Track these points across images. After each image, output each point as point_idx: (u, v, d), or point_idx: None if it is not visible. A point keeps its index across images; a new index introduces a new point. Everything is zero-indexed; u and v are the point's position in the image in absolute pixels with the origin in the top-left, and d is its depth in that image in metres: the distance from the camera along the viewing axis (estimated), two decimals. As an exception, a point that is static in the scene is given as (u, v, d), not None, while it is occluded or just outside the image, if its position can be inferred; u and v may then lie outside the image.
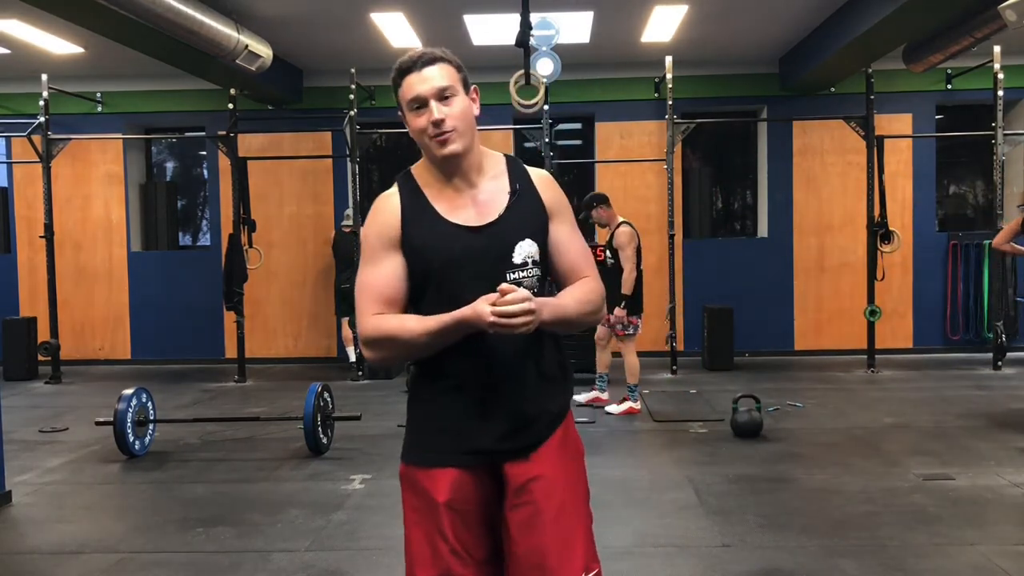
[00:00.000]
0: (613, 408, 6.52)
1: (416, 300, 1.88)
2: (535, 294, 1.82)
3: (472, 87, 1.89)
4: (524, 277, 1.85)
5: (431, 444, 1.87)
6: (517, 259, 1.84)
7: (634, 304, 6.35)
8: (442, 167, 1.87)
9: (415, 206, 1.87)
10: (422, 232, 1.84)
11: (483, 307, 1.70)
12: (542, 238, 1.89)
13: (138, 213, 10.13)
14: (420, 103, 1.82)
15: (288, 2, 7.15)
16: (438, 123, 1.80)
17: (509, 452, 1.85)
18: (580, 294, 1.89)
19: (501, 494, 1.87)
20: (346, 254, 8.82)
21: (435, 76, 1.82)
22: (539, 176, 1.95)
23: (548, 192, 1.93)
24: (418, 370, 1.91)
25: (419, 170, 1.92)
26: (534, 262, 1.87)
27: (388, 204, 1.89)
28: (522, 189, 1.90)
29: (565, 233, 1.92)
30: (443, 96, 1.82)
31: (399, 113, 1.89)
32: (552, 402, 1.91)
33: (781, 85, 9.48)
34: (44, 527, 4.18)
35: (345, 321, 9.05)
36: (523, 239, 1.85)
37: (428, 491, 1.84)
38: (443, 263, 1.82)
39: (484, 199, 1.88)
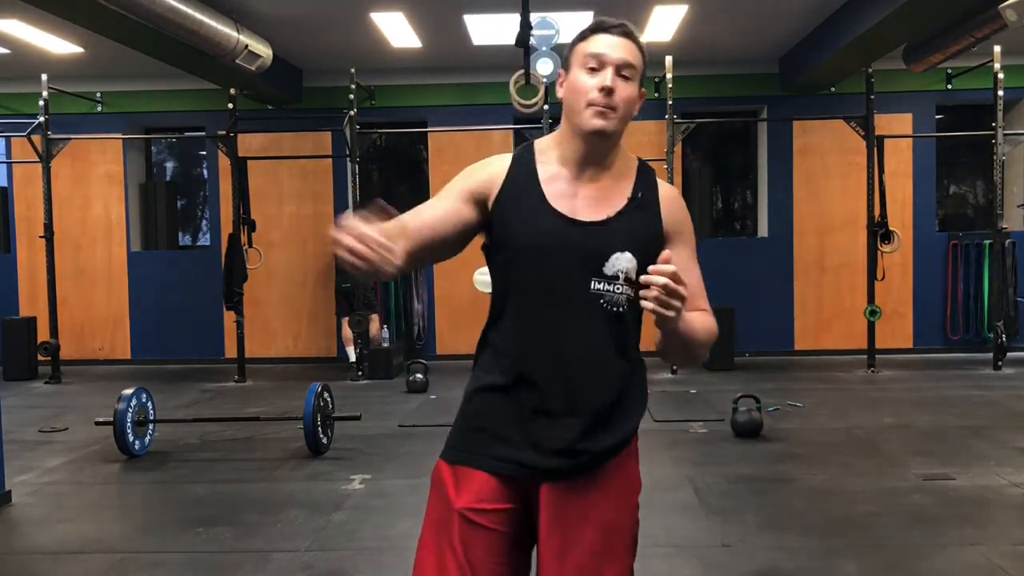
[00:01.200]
0: None
1: (495, 277, 1.73)
2: (619, 317, 1.65)
3: (642, 89, 1.71)
4: (609, 291, 1.64)
5: (467, 442, 1.71)
6: (608, 271, 1.64)
7: None
8: (574, 142, 1.68)
9: (522, 178, 1.69)
10: (519, 207, 1.67)
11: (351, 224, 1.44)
12: (645, 257, 1.60)
13: (138, 213, 10.13)
14: (600, 64, 1.64)
15: (288, 2, 7.15)
16: (608, 91, 1.62)
17: (553, 472, 1.65)
18: (708, 323, 1.70)
19: (534, 518, 1.68)
20: None
21: (624, 49, 1.65)
22: (668, 191, 1.76)
23: (673, 210, 1.75)
24: (482, 357, 1.75)
25: (543, 144, 1.75)
26: (627, 279, 1.64)
27: (494, 165, 1.73)
28: (643, 198, 1.71)
29: (682, 260, 1.63)
30: (622, 72, 1.64)
31: (559, 71, 1.73)
32: (619, 429, 1.71)
33: (781, 85, 9.48)
34: (44, 527, 4.17)
35: (345, 321, 9.04)
36: (623, 251, 1.64)
37: (448, 493, 1.68)
38: (525, 246, 1.65)
39: (599, 196, 1.69)
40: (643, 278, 1.49)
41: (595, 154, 1.69)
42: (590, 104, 1.63)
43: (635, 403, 1.74)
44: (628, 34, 1.67)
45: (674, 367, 8.32)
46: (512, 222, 1.67)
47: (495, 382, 1.69)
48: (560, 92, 1.71)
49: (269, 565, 3.57)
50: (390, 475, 4.91)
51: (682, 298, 1.49)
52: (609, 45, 1.65)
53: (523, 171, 1.70)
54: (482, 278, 6.61)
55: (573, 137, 1.69)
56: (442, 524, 1.67)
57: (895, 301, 9.36)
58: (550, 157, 1.71)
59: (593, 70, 1.64)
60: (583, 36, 1.70)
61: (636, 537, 1.78)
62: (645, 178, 1.74)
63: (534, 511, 1.68)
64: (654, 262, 1.52)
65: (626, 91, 1.65)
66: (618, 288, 1.65)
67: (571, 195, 1.68)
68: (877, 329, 8.52)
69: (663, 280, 1.46)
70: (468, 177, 1.72)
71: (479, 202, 1.70)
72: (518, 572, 1.70)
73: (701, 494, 4.43)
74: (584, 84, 1.64)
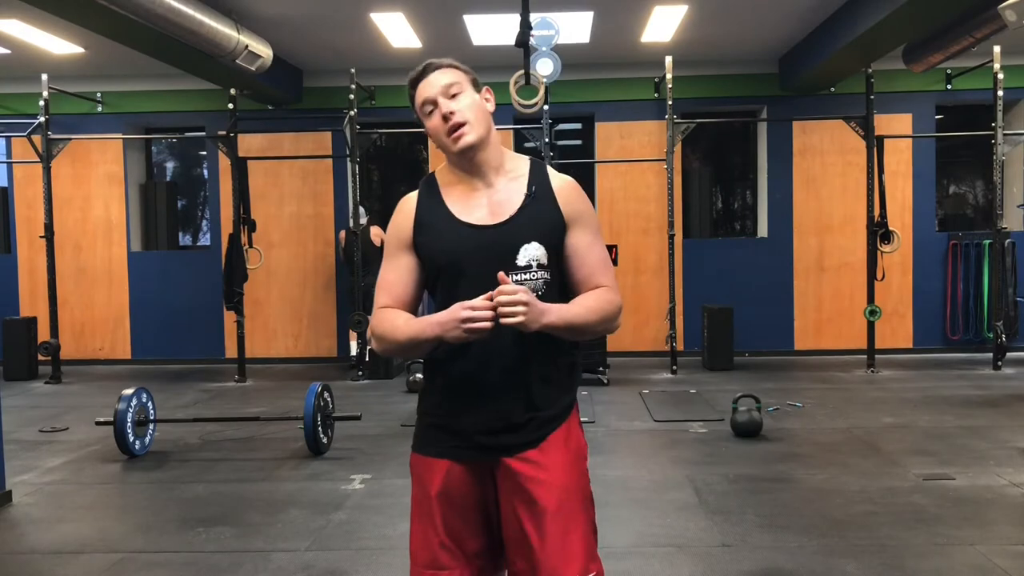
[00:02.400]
0: None
1: (432, 293, 1.96)
2: (540, 298, 1.83)
3: (484, 87, 1.95)
4: (527, 280, 1.86)
5: (431, 436, 1.94)
6: (521, 261, 1.87)
7: None
8: (460, 164, 1.93)
9: (430, 206, 1.94)
10: (431, 230, 1.91)
11: (453, 311, 1.75)
12: (553, 243, 1.89)
13: (138, 213, 10.13)
14: (431, 104, 1.90)
15: (288, 2, 7.15)
16: (447, 116, 1.87)
17: (506, 448, 1.88)
18: (591, 302, 1.89)
19: (496, 488, 1.91)
20: (365, 252, 8.65)
21: (439, 78, 1.90)
22: (562, 182, 1.96)
23: (568, 199, 1.94)
24: (427, 365, 1.97)
25: (441, 171, 2.00)
26: (540, 265, 1.88)
27: (405, 206, 1.98)
28: (538, 192, 1.92)
29: (584, 242, 1.93)
30: (450, 94, 1.89)
31: (421, 126, 1.98)
32: (554, 403, 1.92)
33: (781, 85, 9.48)
34: (44, 527, 4.18)
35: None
36: (530, 242, 1.87)
37: (425, 481, 1.92)
38: (449, 260, 1.88)
39: (499, 199, 1.91)
40: (489, 293, 1.74)
41: (479, 164, 1.92)
42: (447, 135, 1.89)
43: (568, 376, 1.97)
44: (436, 67, 1.92)
45: (674, 367, 8.34)
46: (432, 243, 1.91)
47: (441, 382, 1.92)
48: (430, 139, 1.98)
49: (269, 565, 3.57)
50: (390, 475, 4.92)
51: (523, 303, 1.72)
52: (427, 86, 1.91)
53: (429, 199, 1.96)
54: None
55: (457, 161, 1.94)
56: (424, 506, 1.92)
57: (895, 301, 9.37)
58: (449, 180, 1.97)
59: (431, 112, 1.91)
60: (411, 97, 1.95)
61: (591, 496, 1.98)
62: (538, 174, 1.95)
63: (497, 485, 1.91)
64: (560, 246, 1.90)
65: (463, 102, 1.89)
66: (533, 275, 1.88)
67: (475, 205, 1.92)
68: (877, 329, 8.52)
69: (504, 299, 1.72)
70: (394, 232, 1.97)
71: (408, 245, 1.95)
72: (492, 537, 1.94)
73: (701, 494, 4.43)
74: (433, 126, 1.91)
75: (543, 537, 1.84)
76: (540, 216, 1.90)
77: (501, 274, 1.77)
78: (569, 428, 1.95)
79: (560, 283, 1.93)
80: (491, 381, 1.87)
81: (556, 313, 1.80)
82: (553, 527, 1.85)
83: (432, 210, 1.93)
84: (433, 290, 1.97)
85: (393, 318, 1.89)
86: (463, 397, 1.89)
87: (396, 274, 1.95)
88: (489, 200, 1.92)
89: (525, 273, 1.87)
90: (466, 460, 1.90)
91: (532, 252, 1.87)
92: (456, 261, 1.88)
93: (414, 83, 1.93)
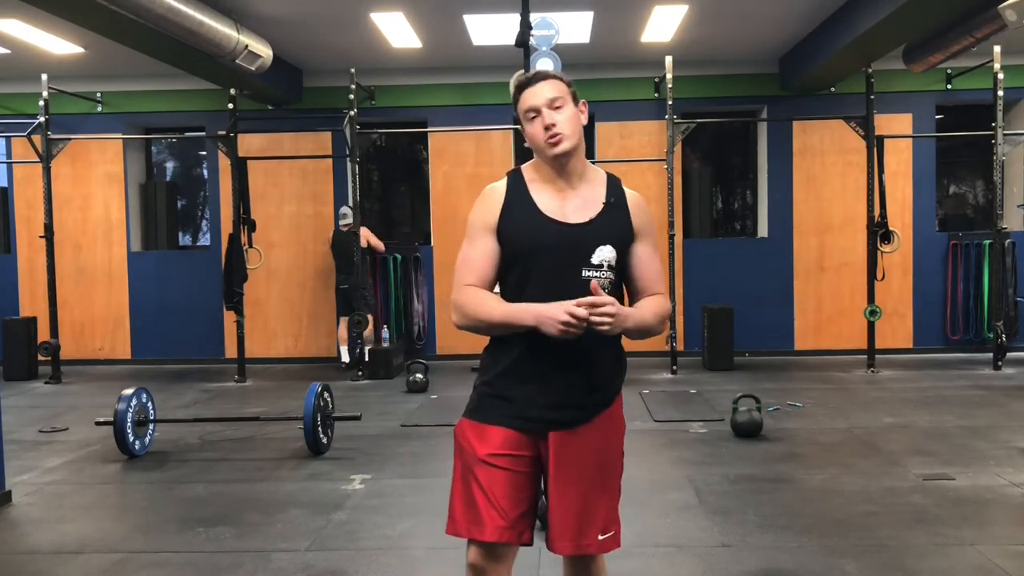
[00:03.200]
0: None
1: (504, 277, 2.16)
2: (606, 292, 2.06)
3: (581, 101, 2.18)
4: (597, 276, 2.09)
5: (490, 404, 2.14)
6: (595, 260, 2.10)
7: None
8: (551, 166, 2.14)
9: (517, 197, 2.15)
10: (518, 219, 2.12)
11: (554, 311, 1.95)
12: (622, 248, 2.14)
13: (138, 213, 10.13)
14: (535, 112, 2.12)
15: (288, 2, 7.15)
16: (550, 126, 2.09)
17: (564, 423, 2.10)
18: (657, 308, 2.16)
19: (544, 460, 2.13)
20: (344, 253, 8.81)
21: (546, 89, 2.12)
22: (634, 197, 2.22)
23: (638, 212, 2.20)
24: (493, 344, 2.18)
25: (528, 168, 2.21)
26: (609, 266, 2.12)
27: (494, 193, 2.17)
28: (616, 202, 2.16)
29: (646, 253, 2.19)
30: (554, 106, 2.11)
31: (519, 125, 2.19)
32: (610, 385, 2.18)
33: (781, 85, 9.48)
34: (44, 527, 4.17)
35: (343, 321, 9.06)
36: (605, 244, 2.11)
37: (474, 445, 2.11)
38: (531, 248, 2.09)
39: (580, 202, 2.14)
40: (585, 300, 1.95)
41: (568, 169, 2.15)
42: (545, 141, 2.10)
43: (621, 365, 2.22)
44: (544, 78, 2.14)
45: (674, 367, 8.35)
46: (518, 230, 2.11)
47: (512, 361, 2.11)
48: (526, 138, 2.18)
49: (269, 565, 3.57)
50: (390, 475, 4.92)
51: (611, 315, 1.95)
52: (533, 95, 2.12)
53: (517, 191, 2.16)
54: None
55: (548, 163, 2.15)
56: (468, 470, 2.11)
57: (895, 301, 9.37)
58: (535, 177, 2.18)
59: (534, 118, 2.12)
60: (515, 98, 2.17)
61: (623, 467, 2.24)
62: (614, 187, 2.20)
63: (544, 455, 2.12)
64: (627, 252, 2.16)
65: (563, 115, 2.11)
66: (603, 273, 2.11)
67: (558, 203, 2.13)
68: (877, 329, 8.52)
69: (600, 310, 1.94)
70: (480, 216, 2.16)
71: (493, 229, 2.14)
72: (531, 502, 2.14)
73: (701, 494, 4.43)
74: (534, 131, 2.13)
75: (579, 503, 2.09)
76: (615, 223, 2.14)
77: (594, 283, 1.99)
78: (616, 407, 2.21)
79: (620, 283, 2.19)
80: (559, 363, 2.08)
81: (632, 319, 2.05)
82: (582, 488, 2.10)
83: (520, 201, 2.14)
84: (504, 274, 2.15)
85: (483, 297, 2.09)
86: (532, 375, 2.10)
87: (479, 255, 2.13)
88: (572, 201, 2.14)
89: (597, 271, 2.10)
90: (522, 430, 2.10)
91: (605, 253, 2.11)
92: (538, 249, 2.08)
93: (521, 88, 2.15)
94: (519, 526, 2.09)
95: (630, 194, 2.21)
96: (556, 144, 2.09)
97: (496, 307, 2.07)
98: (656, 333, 2.19)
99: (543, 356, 2.07)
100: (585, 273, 2.07)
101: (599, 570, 2.23)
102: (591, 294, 1.98)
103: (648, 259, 2.19)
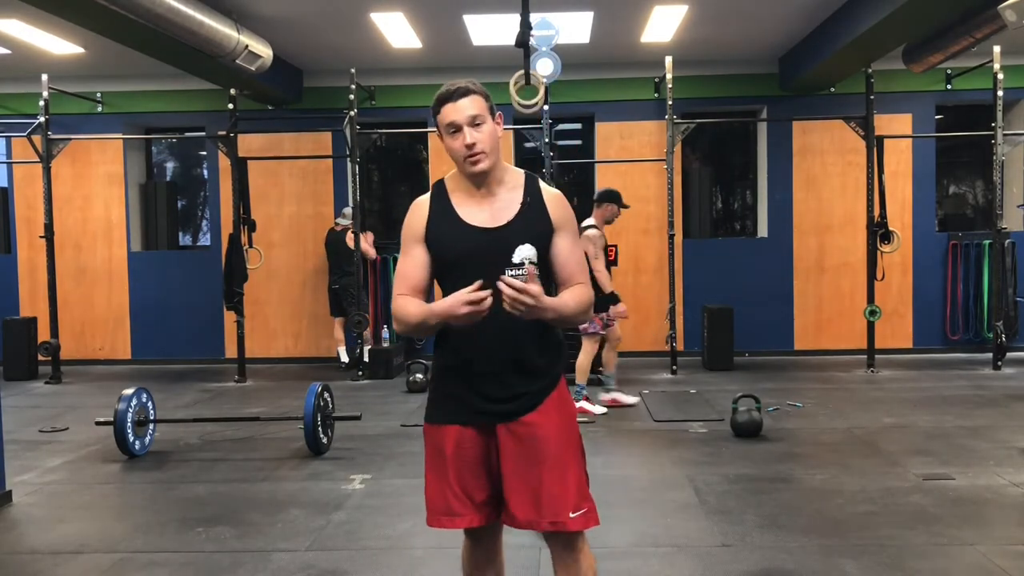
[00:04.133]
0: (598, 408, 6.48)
1: (442, 283, 2.31)
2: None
3: (497, 113, 2.26)
4: (520, 275, 2.18)
5: (442, 407, 2.31)
6: (515, 259, 2.22)
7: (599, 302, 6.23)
8: (470, 179, 2.26)
9: (440, 208, 2.28)
10: (443, 229, 2.26)
11: (451, 303, 2.07)
12: (542, 244, 2.26)
13: (138, 213, 10.13)
14: (455, 128, 2.20)
15: (288, 2, 7.15)
16: (471, 146, 2.19)
17: (507, 414, 2.24)
18: (578, 297, 2.27)
19: (498, 448, 2.26)
20: (335, 253, 8.82)
21: (468, 106, 2.19)
22: (550, 193, 2.31)
23: (556, 208, 2.29)
24: (436, 348, 2.33)
25: (450, 179, 2.32)
26: (531, 262, 2.23)
27: (419, 206, 2.31)
28: (532, 202, 2.27)
29: (566, 246, 2.30)
30: (474, 123, 2.19)
31: (438, 134, 2.27)
32: (545, 374, 2.29)
33: (781, 85, 9.48)
34: (44, 527, 4.18)
35: (337, 322, 9.07)
36: (524, 243, 2.22)
37: (439, 444, 2.28)
38: (457, 255, 2.24)
39: (499, 207, 2.26)
40: (498, 283, 2.04)
41: (486, 181, 2.26)
42: (465, 158, 2.20)
43: (554, 353, 2.33)
44: (463, 93, 2.20)
45: (674, 367, 8.35)
46: (442, 239, 2.26)
47: (450, 361, 2.29)
48: (446, 150, 2.26)
49: (269, 565, 3.57)
50: (390, 475, 4.92)
51: (533, 298, 2.04)
52: (456, 111, 2.19)
53: (440, 203, 2.29)
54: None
55: (467, 175, 2.26)
56: (438, 465, 2.29)
57: (895, 301, 9.37)
58: (457, 187, 2.30)
59: (455, 133, 2.21)
60: (436, 111, 2.24)
61: (583, 448, 2.34)
62: (531, 186, 2.30)
63: (500, 443, 2.26)
64: (548, 248, 2.27)
65: (483, 132, 2.20)
66: (524, 271, 2.22)
67: (479, 211, 2.26)
68: (877, 329, 8.52)
69: (511, 292, 2.03)
70: (409, 229, 2.31)
71: (421, 239, 2.28)
72: (495, 488, 2.28)
73: (701, 494, 4.43)
74: (454, 146, 2.22)
75: (541, 483, 2.21)
76: (533, 221, 2.25)
77: (530, 268, 2.17)
78: (561, 393, 2.32)
79: (546, 277, 2.29)
80: (491, 359, 2.22)
81: (552, 307, 2.14)
82: (550, 475, 2.22)
83: (442, 212, 2.27)
84: (441, 280, 2.31)
85: (407, 303, 2.24)
86: (468, 373, 2.24)
87: (411, 265, 2.29)
88: (491, 207, 2.26)
89: (519, 269, 2.21)
90: (472, 424, 2.25)
91: (525, 251, 2.23)
92: (464, 255, 2.22)
93: (442, 101, 2.21)
94: (486, 509, 2.29)
95: (547, 191, 2.31)
96: (476, 163, 2.20)
97: (414, 310, 2.21)
98: (579, 322, 2.34)
99: (473, 354, 2.23)
100: (508, 272, 2.17)
101: (584, 557, 2.30)
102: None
103: (568, 251, 2.29)
